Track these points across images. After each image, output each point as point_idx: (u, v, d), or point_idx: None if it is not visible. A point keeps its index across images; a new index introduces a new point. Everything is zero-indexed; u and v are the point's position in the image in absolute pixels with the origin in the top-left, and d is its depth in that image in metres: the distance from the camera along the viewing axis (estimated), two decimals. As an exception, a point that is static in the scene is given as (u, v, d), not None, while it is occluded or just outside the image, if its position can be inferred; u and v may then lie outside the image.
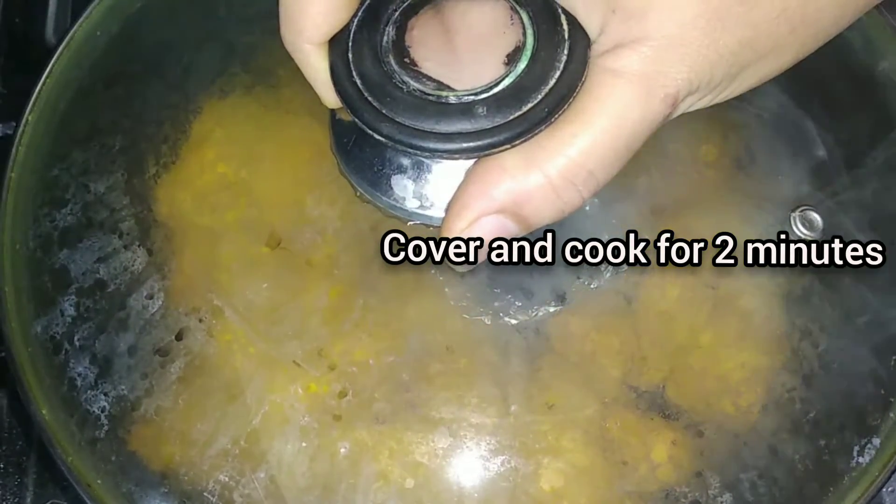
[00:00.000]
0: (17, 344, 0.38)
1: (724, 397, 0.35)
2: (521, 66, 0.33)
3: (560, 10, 0.33)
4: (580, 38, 0.33)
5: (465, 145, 0.32)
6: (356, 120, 0.33)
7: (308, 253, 0.37)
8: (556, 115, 0.32)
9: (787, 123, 0.39)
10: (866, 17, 0.42)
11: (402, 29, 0.33)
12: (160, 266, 0.38)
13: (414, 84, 0.33)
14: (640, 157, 0.37)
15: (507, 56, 0.33)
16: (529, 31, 0.33)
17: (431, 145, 0.32)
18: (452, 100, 0.32)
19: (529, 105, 0.32)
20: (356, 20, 0.34)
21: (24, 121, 0.42)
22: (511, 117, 0.32)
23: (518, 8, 0.33)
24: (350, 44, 0.33)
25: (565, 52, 0.33)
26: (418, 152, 0.32)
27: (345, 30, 0.33)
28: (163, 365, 0.36)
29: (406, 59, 0.33)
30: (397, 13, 0.34)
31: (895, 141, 0.40)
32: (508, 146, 0.32)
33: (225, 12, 0.42)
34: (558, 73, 0.32)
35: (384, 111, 0.32)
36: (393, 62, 0.33)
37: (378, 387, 0.35)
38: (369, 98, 0.32)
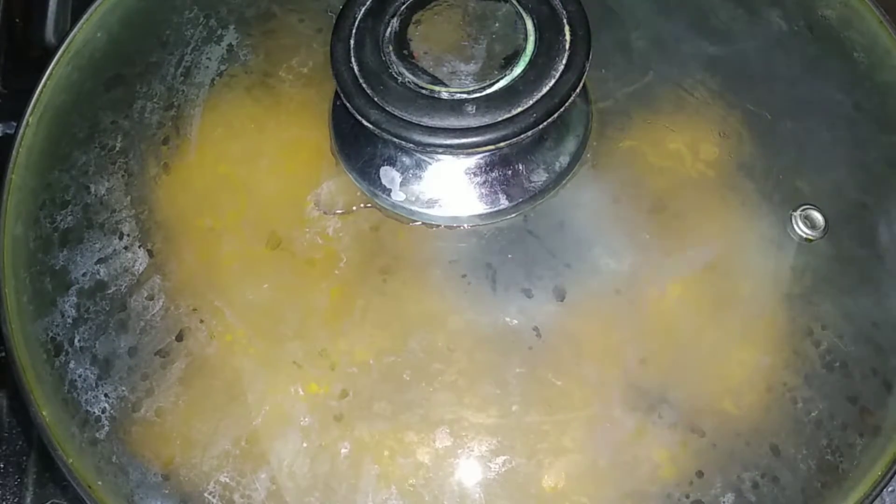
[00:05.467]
0: (18, 345, 0.38)
1: (725, 397, 0.35)
2: (518, 70, 0.33)
3: (565, 21, 0.33)
4: (580, 50, 0.33)
5: (448, 141, 0.32)
6: (347, 104, 0.33)
7: (308, 253, 0.36)
8: (545, 123, 0.32)
9: (788, 122, 0.39)
10: (870, 20, 0.42)
11: (406, 22, 0.34)
12: (160, 267, 0.38)
13: (409, 76, 0.33)
14: (640, 157, 0.38)
15: (505, 59, 0.33)
16: (531, 37, 0.33)
17: (416, 137, 0.32)
18: (444, 95, 0.33)
19: (519, 109, 0.32)
20: (363, 8, 0.34)
21: (24, 122, 0.42)
22: (499, 119, 0.32)
23: (523, 13, 0.34)
24: (353, 31, 0.34)
25: (563, 61, 0.33)
26: (402, 142, 0.33)
27: (350, 16, 0.34)
28: (163, 366, 0.36)
29: (405, 52, 0.34)
30: (404, 6, 0.34)
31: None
32: (493, 147, 0.32)
33: (225, 12, 0.42)
34: (553, 82, 0.33)
35: (375, 99, 0.33)
36: (392, 53, 0.34)
37: (379, 387, 0.35)
38: (363, 85, 0.33)
